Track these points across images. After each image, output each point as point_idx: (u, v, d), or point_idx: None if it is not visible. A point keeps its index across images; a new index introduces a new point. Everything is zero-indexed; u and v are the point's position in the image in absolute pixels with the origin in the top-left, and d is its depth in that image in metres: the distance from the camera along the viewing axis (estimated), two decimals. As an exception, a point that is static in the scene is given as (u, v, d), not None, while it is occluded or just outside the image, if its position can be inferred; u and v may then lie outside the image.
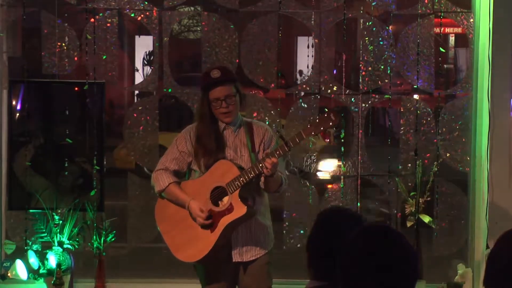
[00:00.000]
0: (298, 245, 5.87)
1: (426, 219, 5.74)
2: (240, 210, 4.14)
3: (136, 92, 15.80)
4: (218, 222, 4.17)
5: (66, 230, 5.71)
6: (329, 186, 6.28)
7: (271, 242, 4.43)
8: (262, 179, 4.20)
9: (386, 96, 6.09)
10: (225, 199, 4.17)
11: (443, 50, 6.39)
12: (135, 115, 6.09)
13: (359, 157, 5.97)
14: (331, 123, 4.09)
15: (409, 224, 5.74)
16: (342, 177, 5.98)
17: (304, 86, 6.34)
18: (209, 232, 4.20)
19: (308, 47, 6.17)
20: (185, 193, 4.26)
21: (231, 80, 4.30)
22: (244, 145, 4.28)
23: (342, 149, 6.00)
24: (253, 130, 4.32)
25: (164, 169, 4.34)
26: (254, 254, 4.31)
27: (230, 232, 4.23)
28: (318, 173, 7.43)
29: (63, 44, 5.94)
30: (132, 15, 6.09)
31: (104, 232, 5.74)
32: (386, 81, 6.01)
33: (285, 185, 4.31)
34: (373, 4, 6.01)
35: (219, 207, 4.18)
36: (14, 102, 5.94)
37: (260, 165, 4.09)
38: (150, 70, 7.01)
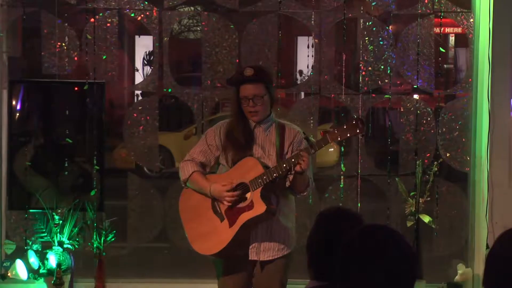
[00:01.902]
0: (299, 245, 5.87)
1: (426, 219, 5.74)
2: (260, 208, 4.14)
3: (139, 92, 15.78)
4: (238, 218, 4.18)
5: (66, 230, 5.71)
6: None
7: (292, 244, 4.40)
8: (290, 177, 4.20)
9: (386, 96, 6.09)
10: (248, 195, 4.18)
11: (443, 50, 6.40)
12: (135, 115, 6.09)
13: (359, 157, 5.98)
14: (358, 131, 4.07)
15: (409, 224, 5.74)
16: (342, 177, 5.98)
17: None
18: (227, 227, 4.21)
19: (308, 47, 6.17)
20: (207, 180, 4.28)
21: (262, 80, 4.27)
22: (273, 145, 4.28)
23: (342, 149, 6.01)
24: (284, 132, 4.31)
25: (191, 160, 4.35)
26: (271, 255, 4.30)
27: (248, 229, 4.23)
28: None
29: (63, 44, 5.95)
30: (132, 15, 6.09)
31: (104, 232, 5.74)
32: (386, 81, 6.01)
33: (311, 188, 4.31)
34: (373, 4, 6.01)
35: (240, 203, 4.19)
36: (14, 102, 5.94)
37: (284, 165, 4.09)
38: (150, 70, 7.01)
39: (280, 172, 4.11)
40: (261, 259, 4.29)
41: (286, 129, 4.33)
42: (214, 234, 4.25)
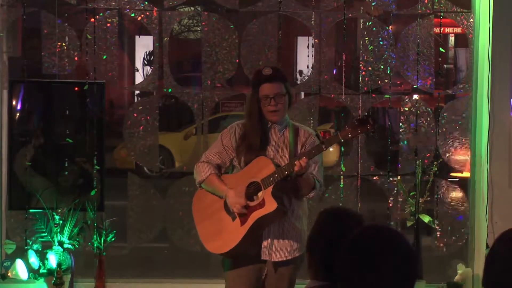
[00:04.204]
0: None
1: (426, 219, 5.74)
2: (271, 206, 4.14)
3: (137, 92, 15.80)
4: (249, 216, 4.19)
5: (66, 230, 5.71)
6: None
7: (304, 247, 4.39)
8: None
9: (386, 96, 6.09)
10: (259, 194, 4.19)
11: (443, 50, 6.39)
12: (135, 115, 6.09)
13: (359, 157, 5.98)
14: (369, 127, 4.08)
15: (409, 224, 5.74)
16: (342, 177, 5.98)
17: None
18: (239, 225, 4.22)
19: (308, 47, 6.17)
20: (224, 184, 4.29)
21: (281, 79, 4.30)
22: (287, 146, 4.29)
23: (342, 149, 6.01)
24: (298, 133, 4.32)
25: (207, 162, 4.37)
26: (283, 255, 4.30)
27: (260, 228, 4.23)
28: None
29: (63, 44, 5.94)
30: (132, 15, 6.09)
31: (104, 232, 5.74)
32: (386, 81, 6.01)
33: (319, 191, 4.31)
34: (373, 4, 6.01)
35: (252, 202, 4.20)
36: (14, 102, 5.94)
37: (295, 163, 4.10)
38: (150, 70, 7.01)
39: (292, 170, 4.10)
40: (273, 260, 4.30)
41: (300, 131, 4.34)
42: (225, 233, 4.26)
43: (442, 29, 5.98)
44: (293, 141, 4.29)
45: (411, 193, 5.78)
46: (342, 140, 4.14)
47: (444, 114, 5.99)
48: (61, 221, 5.70)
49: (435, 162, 5.83)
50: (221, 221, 4.28)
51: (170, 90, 6.12)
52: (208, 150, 4.44)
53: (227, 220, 4.26)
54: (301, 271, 4.18)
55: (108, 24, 5.98)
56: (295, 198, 4.28)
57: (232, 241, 4.23)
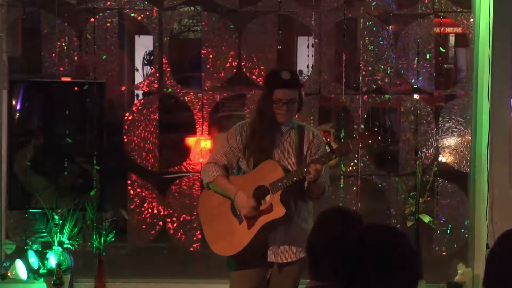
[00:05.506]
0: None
1: (426, 219, 5.74)
2: (279, 211, 4.16)
3: (140, 91, 15.77)
4: (256, 220, 4.20)
5: (66, 230, 5.71)
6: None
7: None
8: (306, 183, 4.22)
9: (386, 96, 6.09)
10: (267, 198, 4.19)
11: (443, 50, 6.39)
12: (135, 115, 6.09)
13: (359, 157, 5.97)
14: (379, 138, 4.15)
15: (409, 224, 5.74)
16: (342, 177, 5.98)
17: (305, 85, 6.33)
18: (246, 229, 4.23)
19: (308, 47, 6.16)
20: (232, 185, 4.29)
21: (297, 85, 4.32)
22: (292, 148, 4.30)
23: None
24: (303, 134, 4.33)
25: (214, 163, 4.36)
26: (289, 257, 4.31)
27: (267, 232, 4.24)
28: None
29: (63, 44, 5.94)
30: (132, 15, 6.09)
31: (104, 232, 5.74)
32: (386, 81, 6.01)
33: (327, 193, 4.32)
34: (373, 4, 6.01)
35: (260, 206, 4.20)
36: (14, 102, 5.94)
37: (305, 169, 4.11)
38: (150, 70, 7.01)
39: (300, 176, 4.13)
40: (279, 261, 4.30)
41: (305, 132, 4.35)
42: (232, 236, 4.27)
43: (442, 29, 5.98)
44: (298, 142, 4.30)
45: (411, 193, 5.78)
46: (352, 148, 4.21)
47: (444, 114, 5.99)
48: (60, 221, 5.70)
49: (435, 162, 5.83)
50: (228, 223, 4.29)
51: (170, 90, 6.12)
52: (215, 151, 4.46)
53: (234, 223, 4.27)
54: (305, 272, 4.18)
55: (108, 24, 5.97)
56: (300, 200, 4.29)
57: (239, 244, 4.24)
